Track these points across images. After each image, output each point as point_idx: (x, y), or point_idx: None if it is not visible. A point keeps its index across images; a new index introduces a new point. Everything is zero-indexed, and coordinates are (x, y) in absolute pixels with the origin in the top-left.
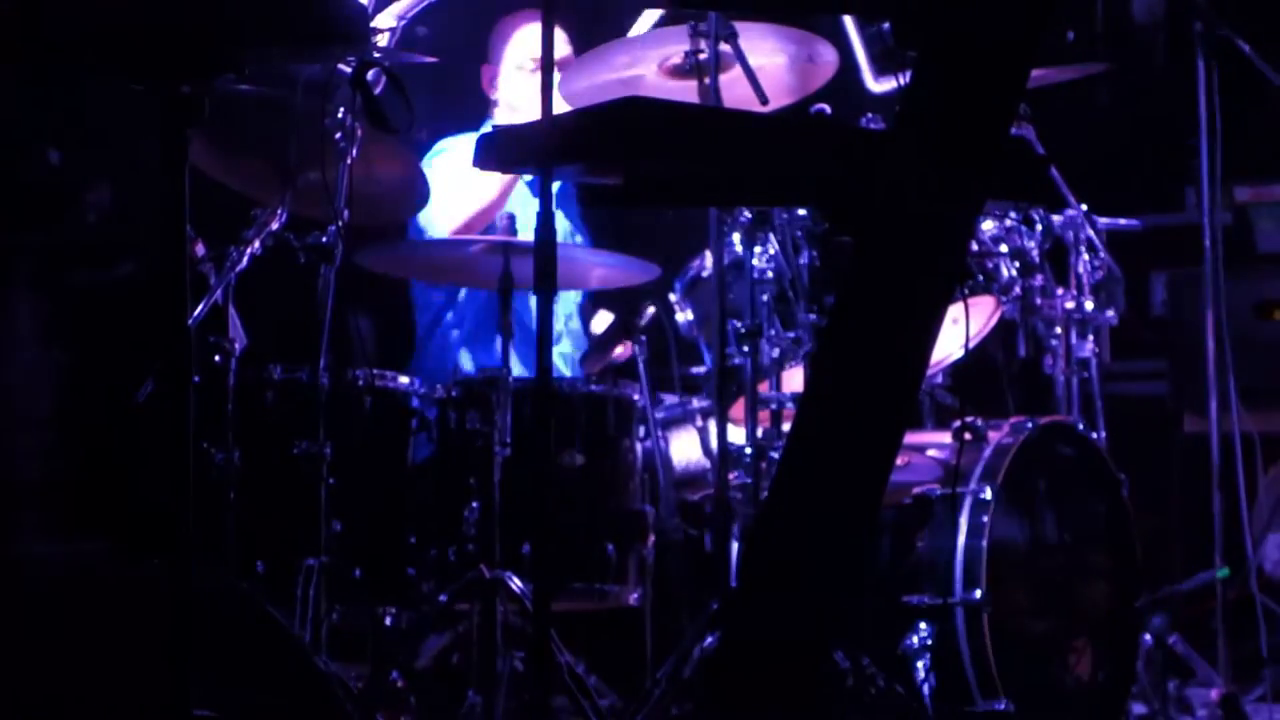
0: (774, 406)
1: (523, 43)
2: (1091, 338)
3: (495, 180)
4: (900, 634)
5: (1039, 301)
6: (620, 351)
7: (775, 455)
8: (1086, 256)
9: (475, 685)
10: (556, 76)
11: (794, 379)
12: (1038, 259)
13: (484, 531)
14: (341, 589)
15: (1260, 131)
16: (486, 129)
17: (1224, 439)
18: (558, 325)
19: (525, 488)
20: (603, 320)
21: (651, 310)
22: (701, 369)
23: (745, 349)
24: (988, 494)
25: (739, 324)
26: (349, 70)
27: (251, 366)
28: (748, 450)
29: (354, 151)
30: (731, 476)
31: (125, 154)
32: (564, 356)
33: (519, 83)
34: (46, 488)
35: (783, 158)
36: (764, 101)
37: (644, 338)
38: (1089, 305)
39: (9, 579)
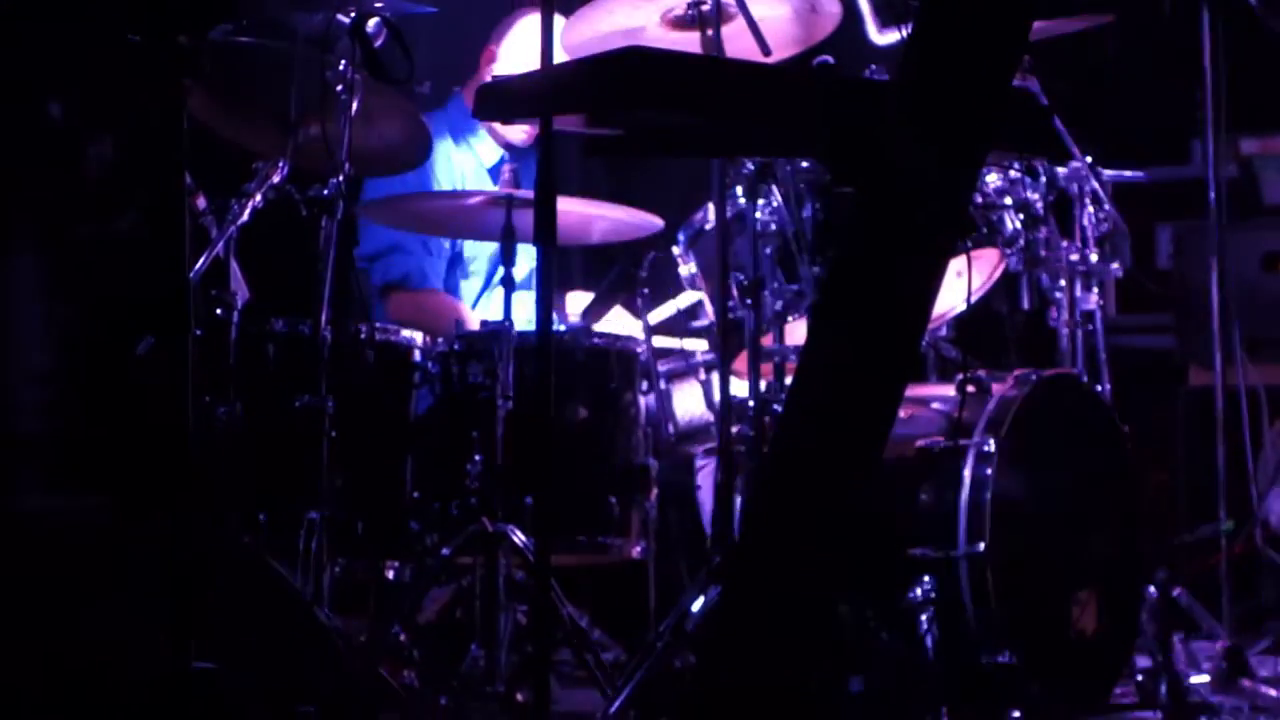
0: (777, 360)
1: (523, 38)
2: (1096, 290)
3: None
4: (904, 587)
5: (1043, 254)
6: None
7: (778, 408)
8: (1091, 209)
9: (478, 639)
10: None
11: (797, 332)
12: (1042, 211)
13: (486, 485)
14: (343, 542)
15: (1266, 83)
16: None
17: (1229, 392)
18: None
19: (527, 441)
20: (577, 301)
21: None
22: (702, 322)
23: (748, 302)
24: (991, 447)
25: (742, 277)
26: (348, 21)
27: (253, 320)
28: (750, 403)
29: (355, 104)
30: (734, 430)
31: (127, 106)
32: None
33: None
34: (48, 442)
35: (785, 109)
36: (766, 53)
37: (646, 290)
38: (1094, 258)
39: (11, 533)
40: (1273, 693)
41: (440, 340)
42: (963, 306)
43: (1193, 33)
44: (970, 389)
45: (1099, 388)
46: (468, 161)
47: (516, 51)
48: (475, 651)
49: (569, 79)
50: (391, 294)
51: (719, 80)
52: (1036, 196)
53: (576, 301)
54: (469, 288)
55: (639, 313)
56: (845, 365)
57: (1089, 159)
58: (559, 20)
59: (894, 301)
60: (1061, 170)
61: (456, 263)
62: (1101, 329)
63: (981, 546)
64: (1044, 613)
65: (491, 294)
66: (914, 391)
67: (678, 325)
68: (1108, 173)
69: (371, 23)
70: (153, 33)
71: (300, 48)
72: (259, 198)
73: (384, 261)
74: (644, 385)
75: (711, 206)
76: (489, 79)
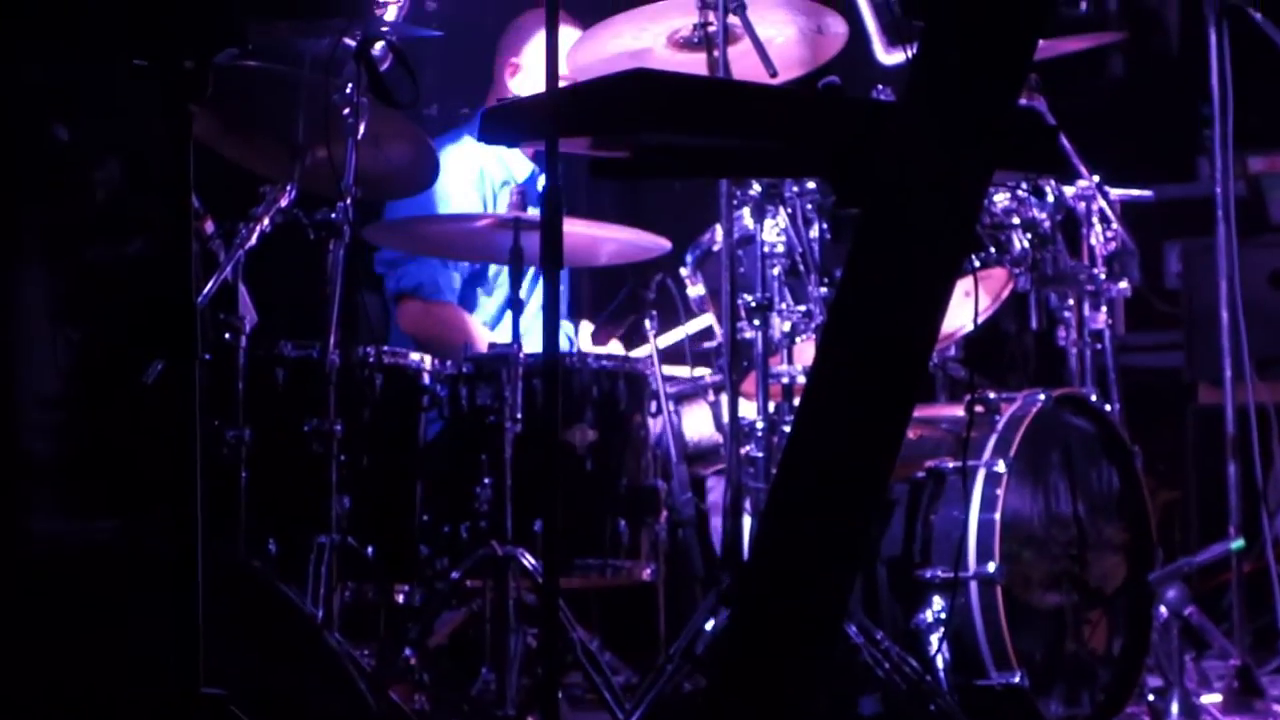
0: (785, 381)
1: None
2: (1105, 309)
3: None
4: (914, 608)
5: (1051, 273)
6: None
7: (787, 429)
8: (1099, 228)
9: (488, 662)
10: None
11: (805, 353)
12: (1050, 230)
13: (496, 508)
14: (353, 566)
15: (1273, 101)
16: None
17: (1239, 410)
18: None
19: (536, 464)
20: (589, 331)
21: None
22: (713, 343)
23: (756, 323)
24: (1001, 467)
25: (750, 298)
26: (354, 45)
27: (262, 344)
28: (759, 425)
29: (362, 127)
30: (743, 451)
31: (134, 130)
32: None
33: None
34: (57, 466)
35: (792, 130)
36: (773, 74)
37: (655, 312)
38: (1102, 276)
39: (21, 557)
40: None
41: (449, 363)
42: (971, 326)
43: (1199, 51)
44: (979, 409)
45: (1108, 407)
46: (499, 174)
47: (539, 61)
48: (486, 675)
49: (576, 101)
50: (404, 302)
51: (726, 102)
52: (1044, 216)
53: (588, 332)
54: (490, 304)
55: (646, 337)
56: (853, 386)
57: (1096, 178)
58: (573, 31)
59: (901, 322)
60: (1069, 189)
61: (479, 278)
62: (1110, 348)
63: (991, 567)
64: (1054, 633)
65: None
66: (923, 412)
67: (686, 348)
68: (1115, 191)
69: (377, 47)
70: (159, 58)
71: (307, 72)
72: (266, 222)
73: (400, 269)
74: (653, 407)
75: (719, 228)
76: (512, 91)
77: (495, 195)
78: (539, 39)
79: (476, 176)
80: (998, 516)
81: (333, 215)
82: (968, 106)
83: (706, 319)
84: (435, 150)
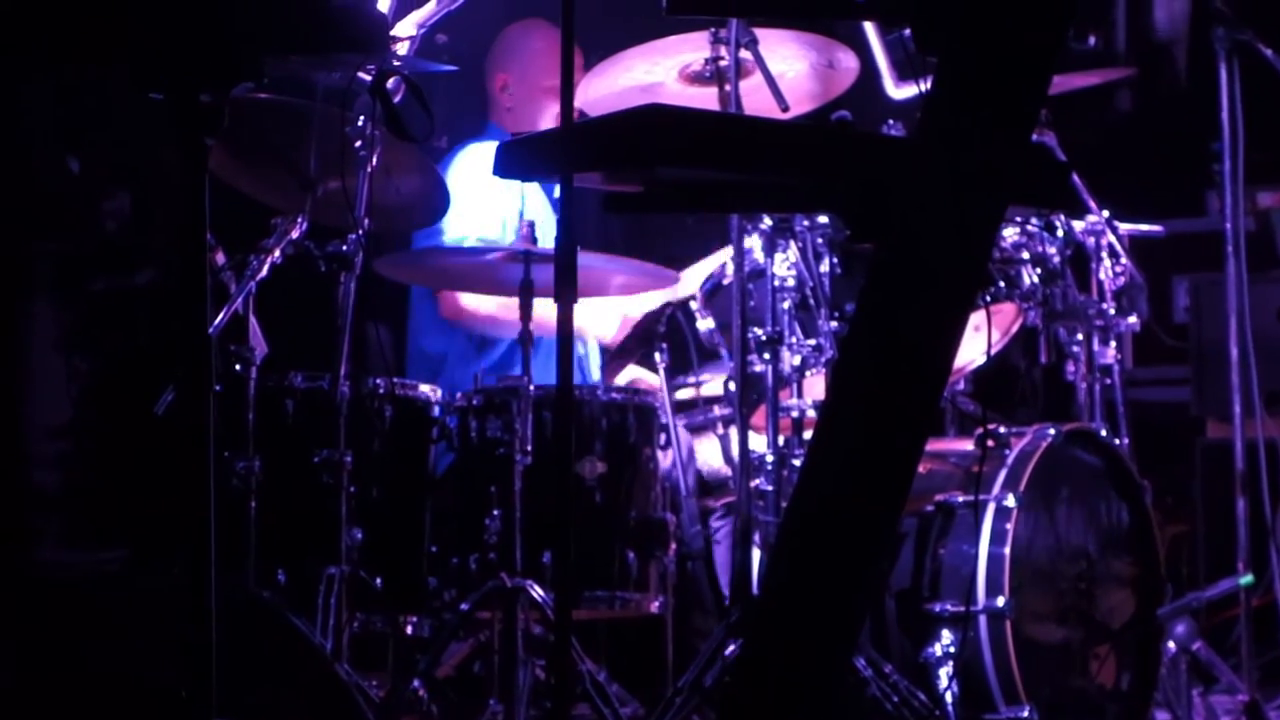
0: (795, 414)
1: (550, 62)
2: (1114, 344)
3: None
4: (923, 642)
5: (1061, 308)
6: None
7: (797, 463)
8: (1108, 262)
9: (497, 694)
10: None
11: (816, 387)
12: (1059, 265)
13: (505, 540)
14: (362, 597)
15: None
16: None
17: (1248, 445)
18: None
19: (546, 496)
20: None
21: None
22: (723, 376)
23: (766, 356)
24: (1010, 501)
25: (760, 331)
26: (369, 78)
27: (272, 375)
28: (769, 458)
29: (374, 160)
30: (753, 484)
31: (145, 162)
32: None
33: (546, 104)
34: (67, 496)
35: (803, 164)
36: (784, 108)
37: (665, 345)
38: (1111, 311)
39: (31, 587)
40: None
41: (459, 395)
42: (981, 360)
43: (1209, 86)
44: (989, 443)
45: (1117, 441)
46: (510, 197)
47: (528, 72)
48: (494, 706)
49: (590, 137)
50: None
51: (738, 137)
52: (1054, 251)
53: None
54: None
55: (656, 368)
56: (866, 420)
57: (1105, 213)
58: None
59: (914, 356)
60: (1079, 224)
61: None
62: (1119, 383)
63: (1000, 601)
64: (1063, 667)
65: None
66: (933, 446)
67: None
68: (1124, 226)
69: (390, 80)
70: (175, 91)
71: (320, 104)
72: (278, 254)
73: None
74: (662, 439)
75: (729, 261)
76: (506, 106)
77: (506, 215)
78: (523, 50)
79: (487, 194)
80: (1007, 551)
81: (344, 247)
82: (981, 143)
83: (720, 378)
84: (444, 182)
